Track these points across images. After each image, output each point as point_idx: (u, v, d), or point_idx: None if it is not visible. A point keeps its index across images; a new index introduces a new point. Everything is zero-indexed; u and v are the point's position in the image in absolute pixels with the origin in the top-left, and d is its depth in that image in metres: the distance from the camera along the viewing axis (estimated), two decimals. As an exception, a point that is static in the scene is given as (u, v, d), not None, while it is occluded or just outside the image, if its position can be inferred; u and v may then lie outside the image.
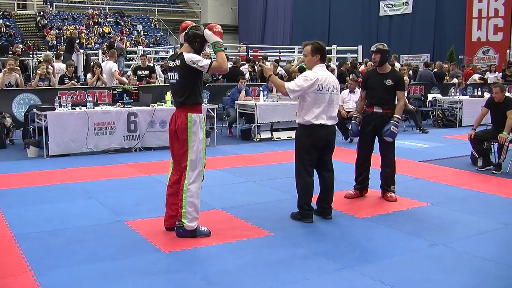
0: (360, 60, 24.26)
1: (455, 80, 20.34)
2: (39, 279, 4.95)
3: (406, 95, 9.51)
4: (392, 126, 7.69)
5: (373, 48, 7.89)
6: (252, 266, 5.31)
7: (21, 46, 27.04)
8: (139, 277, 5.05)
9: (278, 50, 30.36)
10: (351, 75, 16.74)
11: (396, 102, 7.97)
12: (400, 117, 7.88)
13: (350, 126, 8.11)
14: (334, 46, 27.51)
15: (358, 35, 36.82)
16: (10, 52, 20.72)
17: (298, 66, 15.38)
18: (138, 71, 15.96)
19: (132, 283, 4.91)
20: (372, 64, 8.24)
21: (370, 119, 7.88)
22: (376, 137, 7.95)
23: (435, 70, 21.08)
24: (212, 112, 12.86)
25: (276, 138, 13.90)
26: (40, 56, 25.47)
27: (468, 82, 21.46)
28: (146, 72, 15.93)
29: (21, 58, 19.70)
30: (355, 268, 5.30)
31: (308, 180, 6.78)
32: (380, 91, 7.80)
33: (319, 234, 6.41)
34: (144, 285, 4.89)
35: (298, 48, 27.16)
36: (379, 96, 7.81)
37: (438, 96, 18.93)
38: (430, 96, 19.07)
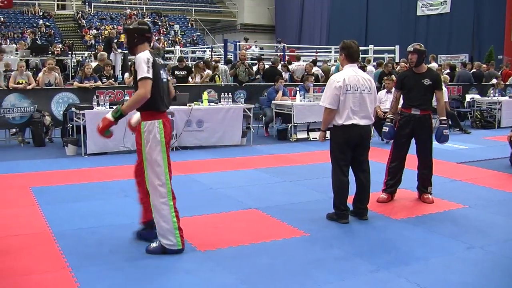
0: (397, 60, 24.05)
1: (494, 81, 20.04)
2: (76, 275, 5.02)
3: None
4: (444, 130, 7.65)
5: (410, 48, 7.77)
6: (287, 266, 5.31)
7: (60, 46, 27.34)
8: (174, 275, 5.11)
9: (314, 50, 30.23)
10: (389, 75, 16.59)
11: (434, 103, 7.89)
12: (445, 118, 7.81)
13: (385, 128, 7.97)
14: (371, 46, 27.31)
15: (395, 35, 36.46)
16: (50, 52, 20.97)
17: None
18: (175, 72, 16.04)
19: (167, 282, 4.96)
20: (406, 64, 8.15)
21: (408, 121, 7.74)
22: (414, 139, 7.86)
23: (474, 70, 20.79)
24: (248, 112, 12.88)
25: (312, 138, 13.84)
26: (79, 56, 25.84)
27: (507, 83, 21.13)
28: (184, 73, 15.98)
29: (60, 58, 19.95)
30: (391, 269, 5.26)
31: (343, 180, 6.73)
32: (418, 92, 7.66)
33: (354, 235, 6.39)
34: (179, 283, 4.93)
35: (335, 48, 27.00)
36: (417, 97, 7.68)
37: (477, 96, 18.70)
38: (468, 97, 18.84)
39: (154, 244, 5.73)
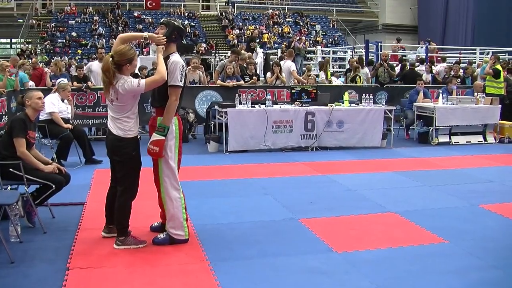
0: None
1: None
2: (214, 269, 5.20)
3: None
4: None
5: None
6: (424, 274, 5.20)
7: (204, 45, 28.17)
8: (309, 275, 5.13)
9: (458, 51, 29.29)
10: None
11: None
12: None
13: None
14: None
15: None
16: (195, 51, 21.64)
17: (492, 68, 14.84)
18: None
19: (302, 281, 5.00)
20: None
21: None
22: None
23: None
24: (389, 114, 12.71)
25: (454, 142, 13.46)
26: (222, 55, 26.47)
27: None
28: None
29: (204, 57, 20.53)
30: (536, 286, 5.02)
31: None
32: None
33: (497, 246, 6.11)
34: (312, 284, 4.96)
35: (480, 49, 26.12)
36: None
37: None
38: None
39: (162, 236, 5.95)
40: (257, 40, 37.46)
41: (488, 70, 14.92)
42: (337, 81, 17.89)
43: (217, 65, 19.99)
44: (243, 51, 16.85)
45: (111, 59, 5.43)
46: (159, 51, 5.69)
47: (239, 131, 11.55)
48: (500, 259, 5.66)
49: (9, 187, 6.56)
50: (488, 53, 23.69)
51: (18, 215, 6.09)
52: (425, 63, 19.56)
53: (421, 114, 13.92)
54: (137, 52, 20.55)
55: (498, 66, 14.95)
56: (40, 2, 43.50)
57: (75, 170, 9.68)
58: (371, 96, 12.85)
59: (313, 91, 12.41)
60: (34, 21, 40.33)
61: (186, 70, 5.82)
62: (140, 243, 5.80)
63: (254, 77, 14.43)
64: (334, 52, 30.82)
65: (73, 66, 22.53)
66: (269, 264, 5.36)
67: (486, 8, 40.86)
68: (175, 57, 5.71)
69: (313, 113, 11.95)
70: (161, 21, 5.97)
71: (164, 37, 5.68)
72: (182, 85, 5.70)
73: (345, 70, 20.79)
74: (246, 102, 11.89)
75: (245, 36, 37.62)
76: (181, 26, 5.91)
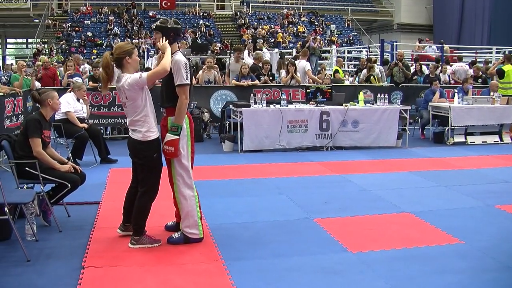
0: None
1: None
2: (229, 268, 5.20)
3: None
4: None
5: None
6: (439, 274, 5.17)
7: (219, 45, 28.17)
8: (323, 275, 5.12)
9: (474, 51, 29.08)
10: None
11: None
12: None
13: None
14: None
15: None
16: (209, 51, 21.65)
17: (496, 68, 14.74)
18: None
19: (316, 280, 4.99)
20: None
21: None
22: None
23: None
24: (405, 114, 12.66)
25: (470, 142, 13.39)
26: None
27: None
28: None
29: (219, 57, 20.55)
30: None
31: None
32: None
33: (513, 246, 6.08)
34: (326, 284, 4.94)
35: (496, 49, 25.94)
36: None
37: None
38: None
39: (176, 235, 5.97)
40: (272, 40, 37.52)
41: (491, 70, 14.80)
42: (346, 82, 17.85)
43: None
44: (257, 51, 16.83)
45: (110, 55, 5.51)
46: (165, 47, 5.64)
47: (254, 131, 11.56)
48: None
49: (25, 186, 6.60)
50: (504, 53, 23.55)
51: (34, 213, 6.12)
52: (440, 63, 19.45)
53: (436, 114, 13.87)
54: (153, 51, 20.60)
55: (507, 67, 14.70)
56: (56, 2, 43.72)
57: (91, 169, 9.74)
58: (386, 96, 12.82)
59: (328, 90, 12.39)
60: (50, 21, 40.56)
61: (190, 66, 5.78)
62: (155, 242, 5.82)
63: (265, 77, 14.38)
64: (349, 52, 30.75)
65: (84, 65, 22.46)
66: (283, 264, 5.35)
67: (502, 7, 40.50)
68: (177, 56, 5.69)
69: (328, 112, 11.94)
70: (153, 27, 5.95)
71: (166, 41, 5.68)
72: (189, 83, 5.68)
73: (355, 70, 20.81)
74: (261, 102, 11.89)
75: (256, 36, 37.66)
76: (174, 25, 5.83)
